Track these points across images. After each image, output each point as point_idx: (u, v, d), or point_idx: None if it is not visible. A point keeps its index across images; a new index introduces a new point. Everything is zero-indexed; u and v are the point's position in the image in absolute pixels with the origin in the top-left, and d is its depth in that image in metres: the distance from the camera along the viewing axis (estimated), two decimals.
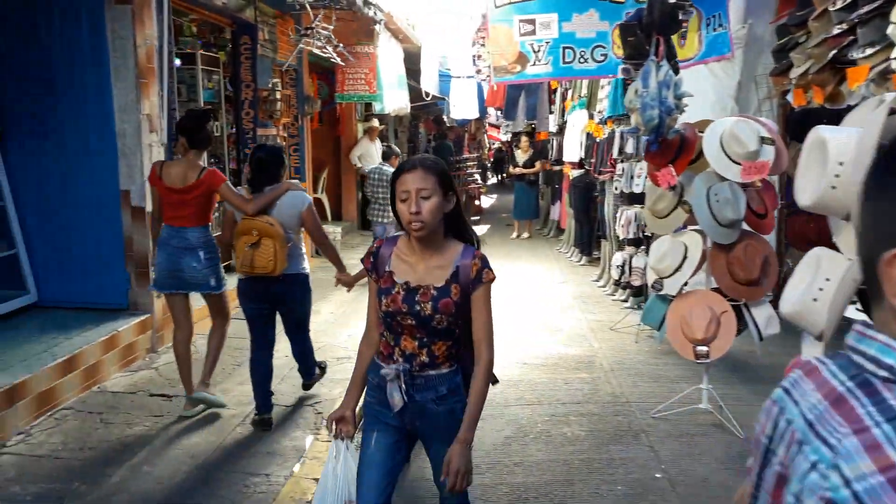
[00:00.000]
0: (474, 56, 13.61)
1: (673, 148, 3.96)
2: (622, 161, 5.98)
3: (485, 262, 2.25)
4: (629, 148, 5.76)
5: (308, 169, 9.84)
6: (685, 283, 4.16)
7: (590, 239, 9.75)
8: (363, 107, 12.80)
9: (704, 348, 3.99)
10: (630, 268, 5.87)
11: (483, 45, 13.12)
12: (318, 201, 12.38)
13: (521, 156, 12.42)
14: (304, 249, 4.22)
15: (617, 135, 5.90)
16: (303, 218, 3.99)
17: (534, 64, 6.81)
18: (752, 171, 3.68)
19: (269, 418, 4.11)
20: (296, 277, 4.02)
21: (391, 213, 2.22)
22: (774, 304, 4.25)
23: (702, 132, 3.98)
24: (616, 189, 6.01)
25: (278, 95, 7.93)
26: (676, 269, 4.01)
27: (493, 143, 27.65)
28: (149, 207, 5.10)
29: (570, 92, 11.41)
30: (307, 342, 4.42)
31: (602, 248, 8.55)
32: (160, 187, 4.09)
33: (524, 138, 12.43)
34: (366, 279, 2.45)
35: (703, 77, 6.47)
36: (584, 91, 9.69)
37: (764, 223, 4.01)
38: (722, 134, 3.80)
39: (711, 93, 6.43)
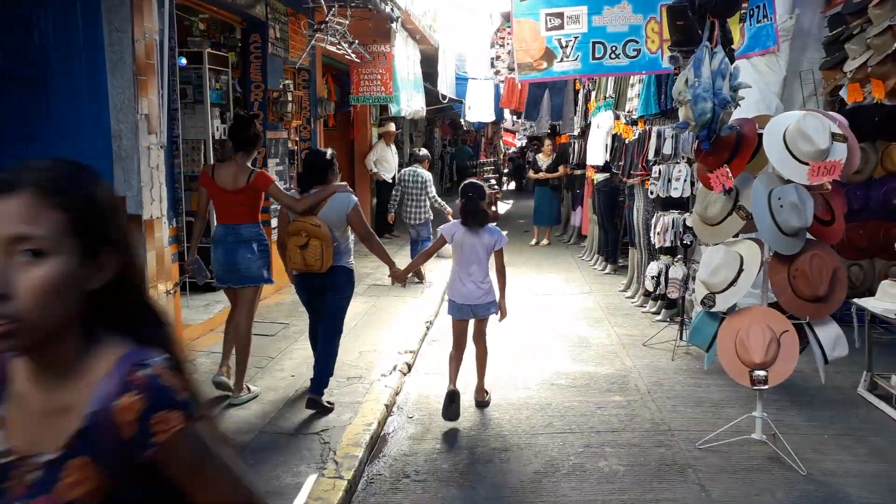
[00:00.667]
0: (492, 58, 13.22)
1: (728, 146, 3.50)
2: (658, 163, 5.51)
3: (159, 400, 1.02)
4: (667, 148, 5.29)
5: None
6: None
7: (615, 247, 9.27)
8: (378, 110, 12.42)
9: (762, 373, 3.51)
10: (667, 279, 5.40)
11: (502, 45, 12.73)
12: None
13: (543, 159, 11.95)
14: (350, 246, 4.52)
15: (653, 134, 5.43)
16: (349, 218, 4.29)
17: (561, 60, 6.36)
18: (822, 172, 3.21)
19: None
20: (341, 269, 4.35)
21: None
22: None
23: (761, 128, 3.50)
24: (651, 193, 5.54)
25: (289, 97, 7.55)
26: (731, 284, 3.53)
27: (509, 149, 27.22)
28: (146, 215, 4.72)
29: (593, 93, 10.97)
30: (334, 347, 4.51)
31: (630, 257, 8.06)
32: (212, 188, 4.41)
33: (547, 141, 11.97)
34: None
35: (745, 73, 5.96)
36: (611, 91, 9.23)
37: (831, 231, 3.53)
38: (786, 130, 3.33)
39: (754, 90, 5.93)
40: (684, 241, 5.28)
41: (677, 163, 5.31)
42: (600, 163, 9.18)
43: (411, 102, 10.36)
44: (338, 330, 4.49)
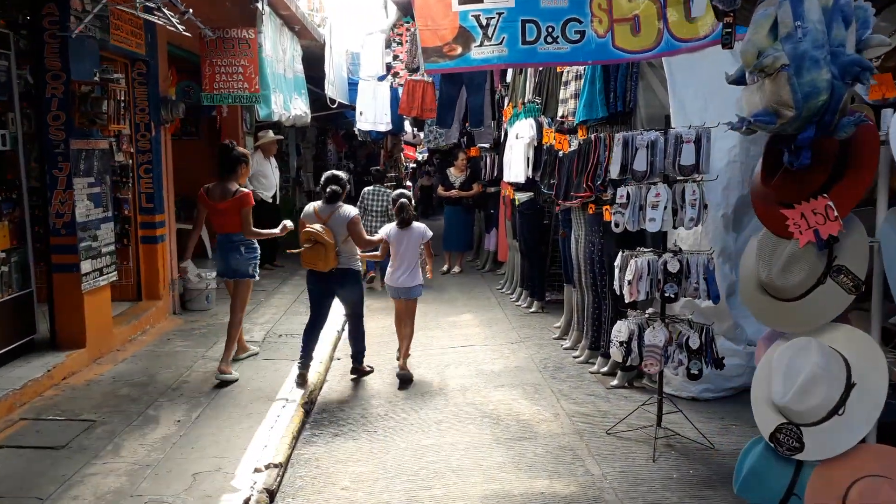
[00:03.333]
0: (390, 59, 11.46)
1: (827, 160, 1.91)
2: (624, 183, 3.94)
3: None
4: (639, 163, 3.72)
5: (168, 194, 7.31)
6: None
7: (541, 280, 7.72)
8: (252, 115, 10.31)
9: None
10: (640, 346, 3.83)
11: (400, 43, 11.00)
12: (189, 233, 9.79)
13: (455, 175, 10.29)
14: (356, 252, 5.37)
15: (616, 144, 3.85)
16: (348, 228, 5.17)
17: (481, 45, 4.68)
18: None
19: (305, 369, 5.29)
20: (346, 272, 5.28)
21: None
22: None
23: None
24: (615, 226, 3.95)
25: (107, 94, 5.46)
26: (833, 411, 1.95)
27: (410, 163, 25.51)
28: None
29: (507, 99, 9.45)
30: (361, 328, 5.62)
31: (566, 296, 6.50)
32: (206, 204, 5.49)
33: (461, 154, 10.32)
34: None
35: (726, 60, 4.56)
36: (530, 95, 7.70)
37: None
38: None
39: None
40: (666, 294, 3.73)
41: (654, 183, 3.76)
42: (521, 180, 7.62)
43: (291, 106, 8.41)
44: (360, 315, 5.59)
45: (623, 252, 4.06)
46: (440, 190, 10.36)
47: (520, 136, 7.67)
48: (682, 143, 3.68)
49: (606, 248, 5.18)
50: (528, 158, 7.52)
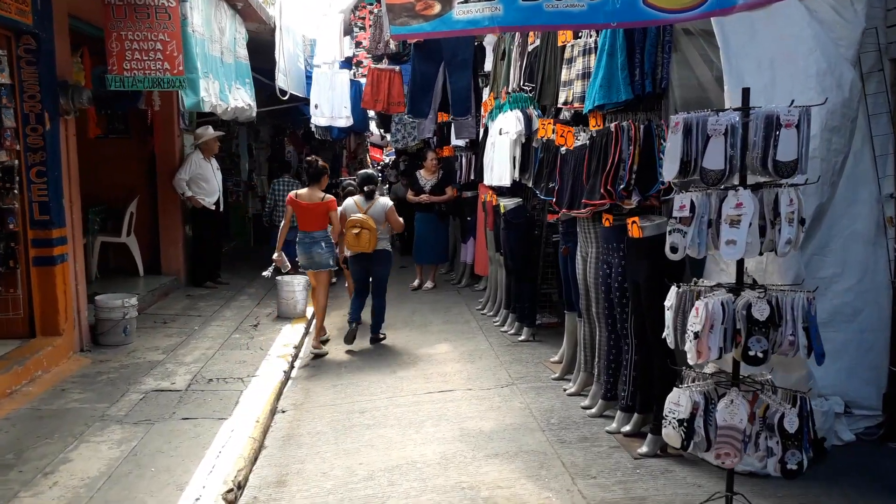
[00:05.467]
0: (351, 52, 10.12)
1: None
2: (685, 187, 2.71)
3: None
4: (713, 158, 2.48)
5: (71, 204, 5.85)
6: None
7: (531, 302, 6.47)
8: (191, 113, 8.87)
9: None
10: (708, 425, 2.59)
11: (362, 27, 9.68)
12: (118, 246, 8.33)
13: (426, 177, 8.98)
14: (388, 235, 6.59)
15: (675, 130, 2.61)
16: (387, 216, 6.39)
17: (466, 1, 3.46)
18: None
19: (356, 325, 6.48)
20: (382, 252, 6.45)
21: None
22: None
23: None
24: (674, 251, 2.70)
25: None
26: None
27: (377, 165, 24.11)
28: None
29: (485, 90, 8.21)
30: (383, 301, 6.64)
31: (568, 326, 5.27)
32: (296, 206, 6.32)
33: (431, 154, 8.99)
34: None
35: (797, 21, 3.36)
36: (515, 82, 6.47)
37: None
38: None
39: (816, 53, 3.33)
40: (751, 351, 2.51)
41: (735, 189, 2.53)
42: (506, 183, 6.39)
43: (229, 96, 7.03)
44: (384, 290, 6.62)
45: (678, 287, 2.82)
46: (409, 195, 9.06)
47: (504, 132, 6.42)
48: (778, 128, 2.46)
49: (631, 272, 3.95)
50: (514, 158, 6.28)
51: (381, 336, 6.63)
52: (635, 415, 4.10)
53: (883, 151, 3.82)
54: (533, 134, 6.11)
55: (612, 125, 3.86)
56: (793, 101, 2.54)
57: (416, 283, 9.11)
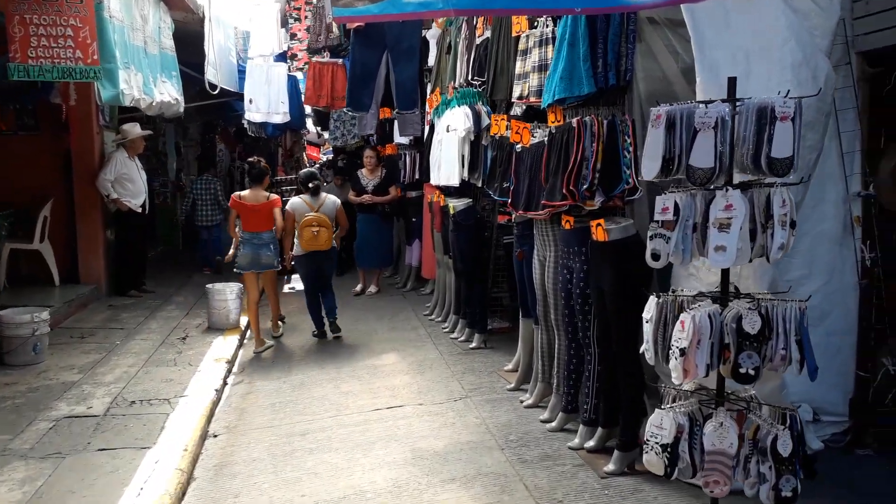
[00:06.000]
0: (287, 45, 9.60)
1: None
2: (669, 187, 2.43)
3: None
4: (701, 155, 2.22)
5: None
6: None
7: (482, 307, 6.17)
8: (112, 108, 8.17)
9: None
10: (693, 450, 2.33)
11: (298, 18, 9.18)
12: (30, 254, 7.59)
13: (367, 177, 8.55)
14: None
15: (656, 124, 2.34)
16: (336, 214, 6.52)
17: None
18: None
19: (323, 330, 6.64)
20: (333, 249, 6.50)
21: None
22: None
23: None
24: (655, 258, 2.43)
25: None
26: None
27: (314, 164, 23.40)
28: None
29: (429, 86, 7.87)
30: (332, 292, 6.70)
31: (522, 333, 4.99)
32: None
33: (369, 152, 8.56)
34: None
35: (772, 10, 3.17)
36: (462, 79, 6.17)
37: None
38: None
39: (792, 44, 3.13)
40: (742, 368, 2.26)
41: (723, 189, 2.26)
42: (455, 183, 6.08)
43: (154, 89, 6.46)
44: (331, 285, 6.71)
45: (658, 297, 2.55)
46: (350, 195, 8.63)
47: (452, 129, 6.10)
48: (773, 121, 2.22)
49: (595, 277, 3.69)
50: (462, 156, 5.99)
51: (339, 329, 6.70)
52: (599, 429, 3.84)
53: (850, 149, 3.69)
54: (482, 131, 5.83)
55: (575, 120, 3.59)
56: (788, 92, 2.31)
57: (358, 287, 8.69)
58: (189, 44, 8.26)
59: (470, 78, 5.84)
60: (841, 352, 3.83)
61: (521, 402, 4.66)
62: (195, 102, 9.43)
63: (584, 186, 3.55)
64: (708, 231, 2.32)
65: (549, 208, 3.98)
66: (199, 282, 8.94)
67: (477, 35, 5.84)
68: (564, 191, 3.62)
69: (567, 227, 3.91)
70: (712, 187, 2.35)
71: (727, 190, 2.30)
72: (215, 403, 5.02)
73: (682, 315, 2.36)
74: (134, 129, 8.06)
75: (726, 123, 2.28)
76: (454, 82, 6.46)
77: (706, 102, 2.34)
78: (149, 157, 11.40)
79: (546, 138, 4.08)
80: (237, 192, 6.39)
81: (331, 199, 6.50)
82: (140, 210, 8.11)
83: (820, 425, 3.87)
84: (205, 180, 9.88)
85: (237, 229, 6.30)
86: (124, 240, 8.21)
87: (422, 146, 8.11)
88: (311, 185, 6.47)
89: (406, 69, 7.07)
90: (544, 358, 4.53)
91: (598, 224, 3.47)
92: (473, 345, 6.06)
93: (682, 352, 2.32)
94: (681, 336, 2.32)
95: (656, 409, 2.53)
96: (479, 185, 5.95)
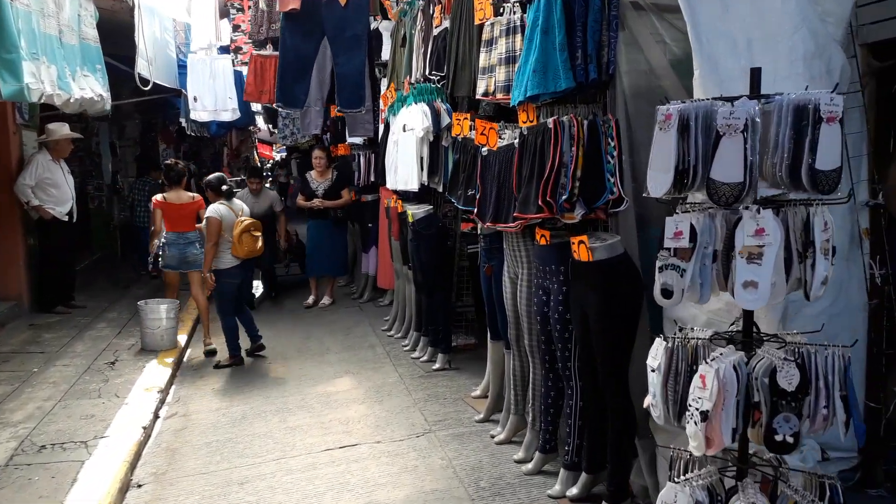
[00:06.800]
0: (230, 35, 8.90)
1: None
2: (680, 206, 1.95)
3: None
4: (727, 166, 1.74)
5: None
6: None
7: (446, 324, 5.64)
8: (32, 105, 7.36)
9: None
10: None
11: (241, 8, 8.49)
12: None
13: (318, 179, 7.91)
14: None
15: (666, 126, 1.86)
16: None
17: None
18: None
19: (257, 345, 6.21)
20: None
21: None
22: None
23: None
24: (667, 295, 1.94)
25: None
26: None
27: (267, 164, 22.51)
28: None
29: (384, 81, 7.29)
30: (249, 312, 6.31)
31: (491, 356, 4.48)
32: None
33: (318, 152, 7.93)
34: None
35: None
36: (419, 73, 5.63)
37: None
38: None
39: (803, 32, 2.69)
40: (778, 435, 1.80)
41: (752, 209, 1.78)
42: (414, 187, 5.53)
43: (72, 85, 5.72)
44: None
45: (664, 339, 2.06)
46: (299, 200, 8.00)
47: (409, 129, 5.56)
48: (818, 123, 1.75)
49: (576, 301, 3.20)
50: (421, 158, 5.44)
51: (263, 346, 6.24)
52: (583, 474, 3.36)
53: (856, 153, 3.28)
54: (442, 131, 5.30)
55: (551, 121, 3.09)
56: (836, 86, 1.86)
57: (310, 299, 8.08)
58: (124, 36, 7.52)
59: (427, 73, 5.30)
60: None
61: (492, 436, 4.15)
62: (128, 100, 8.65)
63: (564, 197, 3.05)
64: (733, 262, 1.84)
65: (522, 221, 3.48)
66: (137, 294, 8.22)
67: (434, 25, 5.30)
68: (540, 202, 3.11)
69: (542, 242, 3.41)
70: (740, 207, 1.87)
71: (757, 210, 1.82)
72: (142, 444, 4.39)
73: (701, 368, 1.88)
74: (61, 129, 7.30)
75: (757, 126, 1.81)
76: (410, 77, 5.92)
77: (731, 99, 1.86)
78: (82, 159, 10.56)
79: (517, 140, 3.57)
80: (158, 195, 6.49)
81: (239, 205, 6.09)
82: (66, 218, 7.35)
83: (827, 463, 3.45)
84: (144, 181, 9.57)
85: (162, 233, 6.34)
86: (49, 250, 7.44)
87: (377, 146, 7.55)
88: (223, 188, 6.00)
89: (350, 62, 6.30)
90: (517, 387, 4.03)
91: (581, 241, 2.98)
92: (437, 366, 5.53)
93: (705, 416, 1.84)
94: (702, 396, 1.84)
95: (668, 484, 2.04)
96: (440, 189, 5.43)
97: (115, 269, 9.98)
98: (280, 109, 8.61)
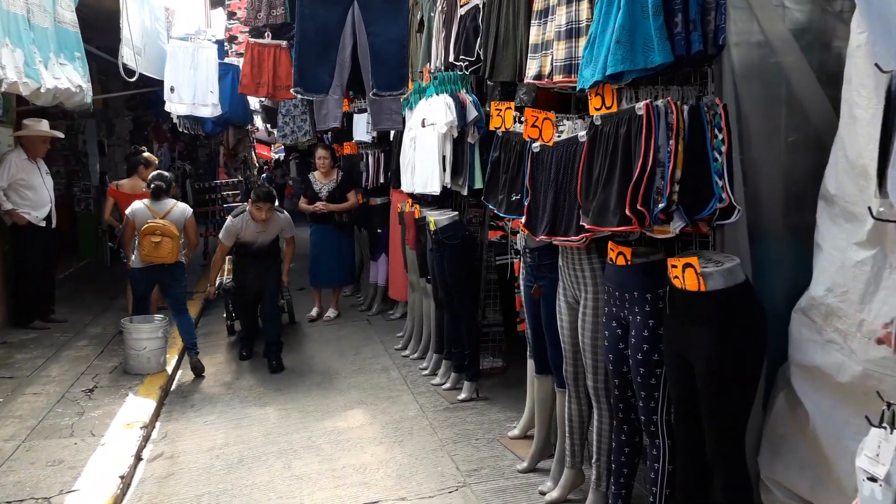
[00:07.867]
0: (226, 24, 8.17)
1: None
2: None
3: None
4: None
5: None
6: None
7: (474, 348, 4.90)
8: (6, 97, 6.63)
9: None
10: None
11: None
12: None
13: (322, 180, 7.18)
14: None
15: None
16: (185, 224, 5.63)
17: None
18: None
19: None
20: (179, 264, 5.58)
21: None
22: None
23: None
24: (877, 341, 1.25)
25: None
26: None
27: (265, 165, 21.78)
28: None
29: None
30: (188, 317, 5.82)
31: (539, 393, 3.75)
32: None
33: (322, 152, 7.19)
34: None
35: None
36: (440, 62, 4.91)
37: None
38: None
39: None
40: None
41: None
42: (435, 190, 4.82)
43: (43, 73, 4.98)
44: (185, 307, 5.79)
45: (881, 426, 1.34)
46: (302, 203, 7.28)
47: (429, 124, 4.85)
48: None
49: (673, 341, 2.48)
50: (444, 157, 4.74)
51: (197, 352, 5.76)
52: None
53: None
54: (469, 126, 4.60)
55: (643, 105, 2.37)
56: None
57: (314, 312, 7.36)
58: (113, 26, 6.80)
59: (454, 58, 4.58)
60: None
61: (542, 493, 3.42)
62: (121, 93, 7.92)
63: (661, 206, 2.33)
64: None
65: (589, 234, 2.76)
66: (124, 305, 7.49)
67: (460, 4, 4.58)
68: (628, 211, 2.38)
69: (620, 262, 2.68)
70: None
71: None
72: (118, 499, 3.65)
73: None
74: (36, 126, 6.58)
75: None
76: (430, 66, 5.21)
77: None
78: (67, 158, 9.82)
79: (582, 133, 2.85)
80: (115, 182, 6.48)
81: (180, 208, 5.69)
82: (43, 224, 6.63)
83: None
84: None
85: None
86: (24, 260, 6.71)
87: (387, 144, 6.84)
88: (153, 185, 5.65)
89: (388, 30, 4.99)
90: (574, 436, 3.30)
91: (688, 265, 2.25)
92: (463, 396, 4.80)
93: None
94: None
95: None
96: (464, 193, 4.73)
97: (102, 278, 9.23)
98: (281, 105, 7.89)
